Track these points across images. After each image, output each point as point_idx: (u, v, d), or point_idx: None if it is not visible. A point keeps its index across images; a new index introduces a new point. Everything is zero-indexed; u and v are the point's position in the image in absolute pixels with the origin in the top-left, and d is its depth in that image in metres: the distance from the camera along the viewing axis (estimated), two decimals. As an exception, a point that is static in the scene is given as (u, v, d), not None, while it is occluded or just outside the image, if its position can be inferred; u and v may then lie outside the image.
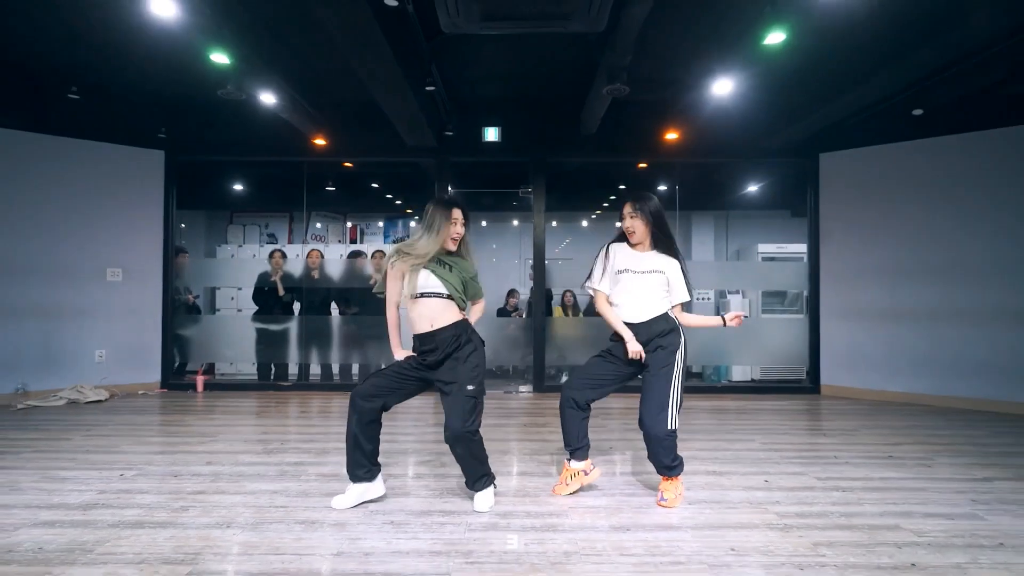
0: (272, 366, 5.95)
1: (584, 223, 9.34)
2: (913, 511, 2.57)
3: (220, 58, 3.62)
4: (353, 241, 7.94)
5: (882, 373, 5.35)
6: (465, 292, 2.65)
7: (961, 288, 4.99)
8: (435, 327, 2.53)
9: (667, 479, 2.69)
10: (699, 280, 6.80)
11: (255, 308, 5.99)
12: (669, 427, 2.62)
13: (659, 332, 2.68)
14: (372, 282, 5.86)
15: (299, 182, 6.67)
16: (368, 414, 2.54)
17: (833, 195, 5.66)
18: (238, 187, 7.62)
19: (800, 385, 5.90)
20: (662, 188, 6.71)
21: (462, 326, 2.59)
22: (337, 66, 4.22)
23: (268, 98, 4.26)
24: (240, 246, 7.66)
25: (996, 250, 4.86)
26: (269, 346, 5.88)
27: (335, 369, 6.11)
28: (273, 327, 5.89)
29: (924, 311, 5.16)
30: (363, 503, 2.62)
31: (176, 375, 5.95)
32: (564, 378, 6.66)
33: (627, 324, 2.70)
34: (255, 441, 3.75)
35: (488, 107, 5.53)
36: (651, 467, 2.78)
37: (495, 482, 2.67)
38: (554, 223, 8.87)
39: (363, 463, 2.59)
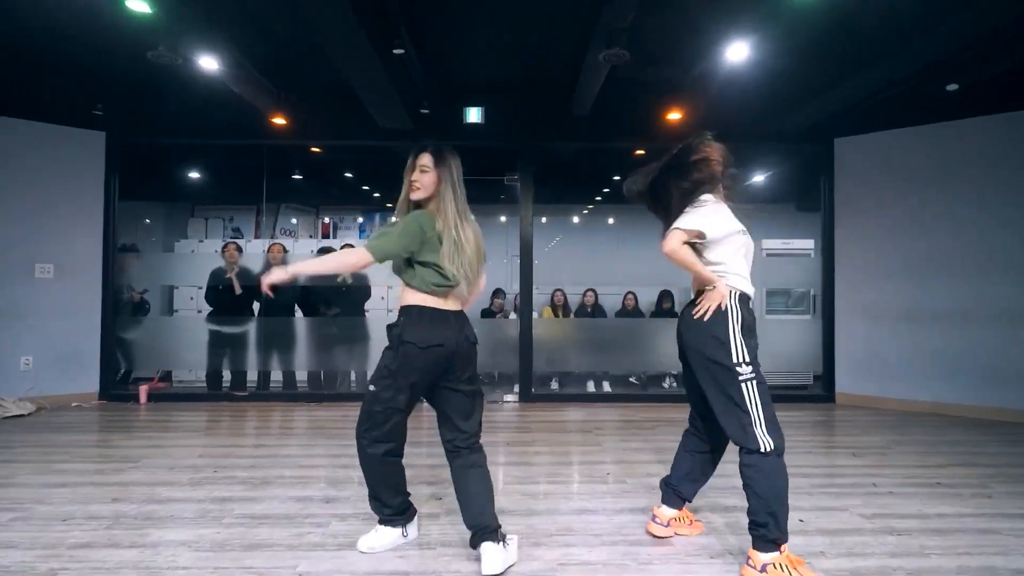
0: (227, 374, 5.32)
1: (575, 219, 8.79)
2: (996, 565, 2.02)
3: (139, 5, 3.00)
4: (326, 236, 7.33)
5: (906, 380, 4.82)
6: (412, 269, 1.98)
7: (996, 285, 4.46)
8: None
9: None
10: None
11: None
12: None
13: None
14: (340, 280, 5.26)
15: (269, 171, 6.07)
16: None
17: (849, 184, 5.13)
18: (199, 176, 6.97)
19: (811, 393, 5.36)
20: (660, 178, 6.17)
21: (404, 310, 2.00)
22: (290, 22, 3.60)
23: (209, 63, 3.64)
24: (201, 241, 7.00)
25: (1036, 243, 4.34)
26: (223, 351, 5.25)
27: (301, 376, 5.50)
28: (228, 330, 5.27)
29: (954, 310, 4.63)
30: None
31: (123, 384, 5.31)
32: (554, 384, 6.09)
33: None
34: (184, 468, 3.14)
35: (470, 86, 4.94)
36: (658, 502, 2.23)
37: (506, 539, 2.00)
38: (543, 219, 8.31)
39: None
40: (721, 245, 2.00)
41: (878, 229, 4.96)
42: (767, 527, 1.87)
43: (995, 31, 3.49)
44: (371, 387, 1.99)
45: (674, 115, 4.86)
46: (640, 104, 4.90)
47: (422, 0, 3.42)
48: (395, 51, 3.42)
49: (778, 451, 1.89)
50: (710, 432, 2.20)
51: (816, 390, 5.38)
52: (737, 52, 3.62)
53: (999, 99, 4.42)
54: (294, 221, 7.68)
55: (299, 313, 5.42)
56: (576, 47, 4.01)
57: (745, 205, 2.18)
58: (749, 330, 1.96)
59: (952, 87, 4.19)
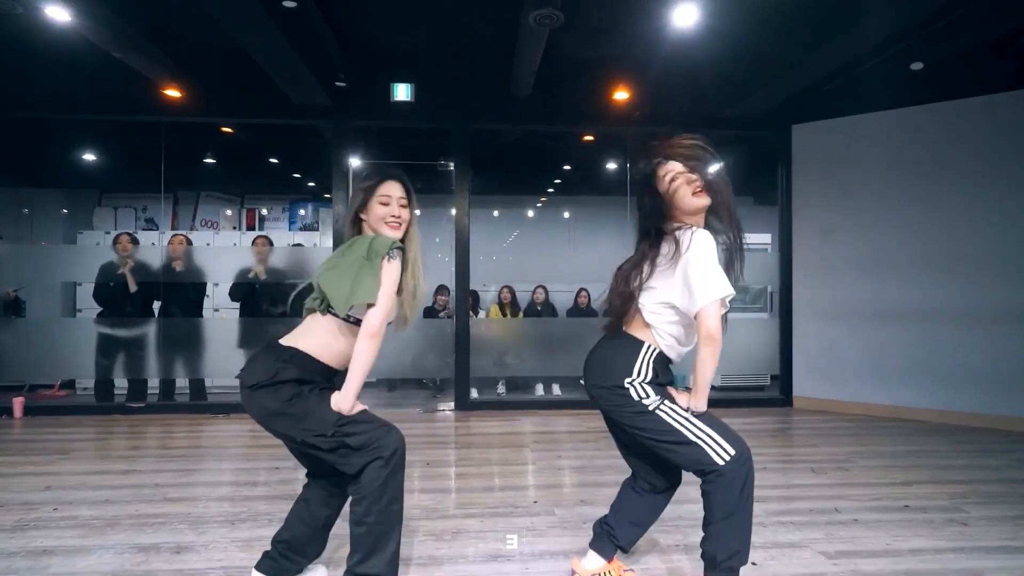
0: (117, 383, 4.68)
1: (530, 212, 8.32)
2: (983, 624, 1.64)
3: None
4: (251, 228, 6.67)
5: (866, 383, 4.53)
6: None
7: (962, 283, 4.19)
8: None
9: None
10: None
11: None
12: None
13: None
14: (252, 275, 4.68)
15: (182, 156, 5.39)
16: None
17: (807, 174, 4.82)
18: (103, 160, 6.19)
19: (767, 396, 5.05)
20: (612, 167, 5.76)
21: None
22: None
23: (58, 13, 3.02)
24: (108, 233, 6.25)
25: (1002, 239, 4.08)
26: (115, 357, 4.60)
27: (213, 383, 4.90)
28: (122, 332, 4.62)
29: (917, 310, 4.35)
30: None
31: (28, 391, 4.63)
32: (501, 389, 5.64)
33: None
34: (17, 506, 2.55)
35: (398, 58, 4.42)
36: (584, 541, 1.77)
37: None
38: (496, 212, 7.84)
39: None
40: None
41: (838, 223, 4.66)
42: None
43: (957, 3, 3.18)
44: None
45: (621, 95, 4.44)
46: (584, 83, 4.47)
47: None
48: (285, 3, 2.88)
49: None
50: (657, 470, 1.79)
51: (773, 393, 5.07)
52: (685, 16, 3.20)
53: (963, 81, 4.14)
54: (229, 213, 7.01)
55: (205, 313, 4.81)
56: (508, 11, 3.53)
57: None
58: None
59: (917, 66, 3.89)
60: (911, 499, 2.66)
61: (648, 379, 1.66)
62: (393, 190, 1.72)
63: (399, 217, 1.71)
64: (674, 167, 1.67)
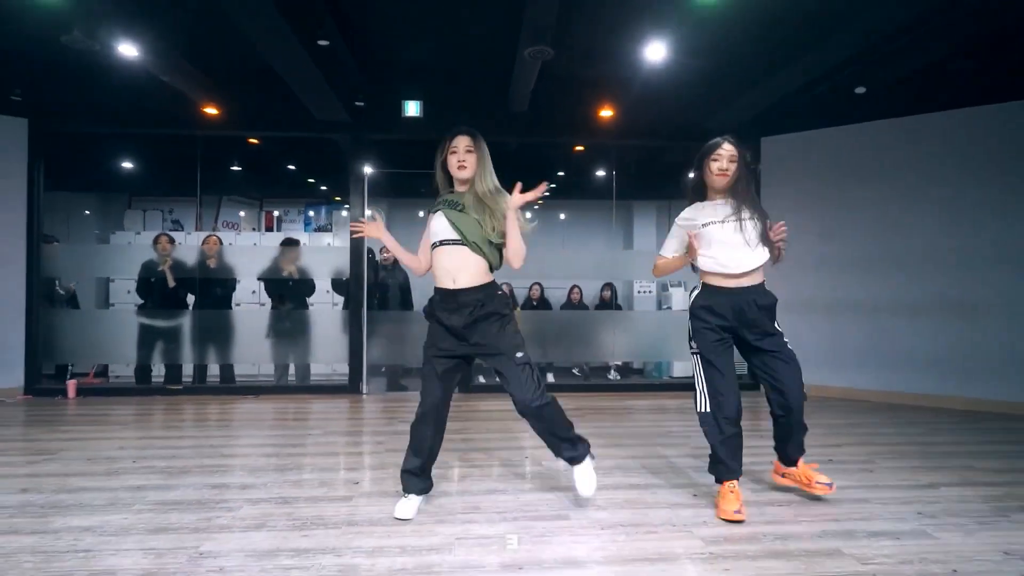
0: (160, 367, 5.24)
1: (527, 214, 8.87)
2: (856, 530, 2.22)
3: (46, -10, 2.95)
4: (269, 229, 7.24)
5: (825, 368, 5.11)
6: (488, 242, 2.25)
7: (905, 279, 4.78)
8: (457, 285, 2.24)
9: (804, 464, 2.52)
10: (642, 272, 6.49)
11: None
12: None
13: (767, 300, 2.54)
14: (287, 273, 5.23)
15: (207, 163, 5.96)
16: (442, 423, 2.34)
17: (776, 182, 5.39)
18: (136, 167, 6.77)
19: (743, 382, 5.60)
20: (601, 174, 6.32)
21: (488, 291, 2.27)
22: (211, 11, 3.56)
23: (128, 50, 3.58)
24: (138, 233, 6.82)
25: (939, 239, 4.67)
26: (155, 345, 5.16)
27: (244, 370, 5.46)
28: (161, 323, 5.18)
29: (867, 303, 4.94)
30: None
31: (58, 379, 5.17)
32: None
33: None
34: (102, 459, 3.11)
35: (408, 79, 4.98)
36: (565, 482, 2.35)
37: (592, 453, 2.43)
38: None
39: (429, 476, 2.41)
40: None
41: (801, 226, 5.22)
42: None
43: (896, 34, 3.73)
44: (518, 354, 2.27)
45: (606, 112, 5.01)
46: (575, 101, 5.03)
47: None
48: (320, 42, 3.44)
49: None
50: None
51: (746, 379, 5.64)
52: (655, 52, 3.77)
53: (903, 102, 4.72)
54: (242, 214, 7.57)
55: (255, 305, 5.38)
56: (507, 43, 4.10)
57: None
58: (692, 315, 2.50)
59: (860, 90, 4.46)
60: (836, 456, 3.24)
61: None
62: (460, 141, 2.30)
63: (465, 160, 2.28)
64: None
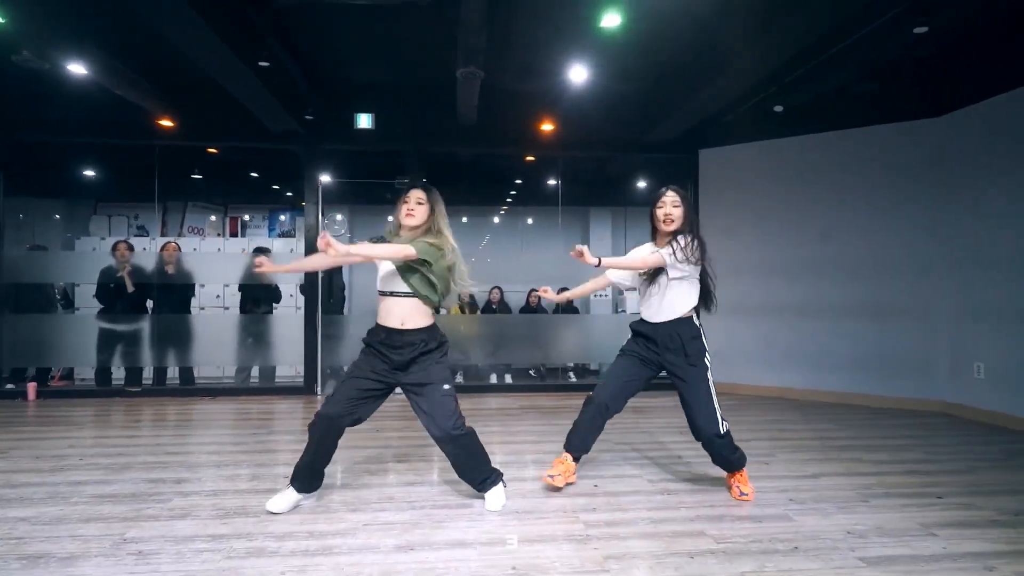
0: (121, 370, 5.39)
1: (496, 219, 9.11)
2: (727, 515, 2.47)
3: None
4: (234, 235, 7.40)
5: (758, 368, 5.40)
6: (434, 290, 2.44)
7: (827, 284, 5.09)
8: (405, 327, 2.43)
9: (736, 475, 2.71)
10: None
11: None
12: (721, 430, 2.63)
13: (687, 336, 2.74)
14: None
15: (171, 171, 6.12)
16: (337, 432, 2.46)
17: (712, 191, 5.68)
18: (100, 174, 6.90)
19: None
20: (552, 183, 6.57)
21: (432, 332, 2.48)
22: (155, 36, 3.74)
23: (78, 68, 3.75)
24: (103, 239, 6.95)
25: (858, 247, 4.97)
26: (115, 348, 5.32)
27: (203, 372, 5.63)
28: (120, 327, 5.33)
29: (796, 306, 5.24)
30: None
31: (18, 380, 5.31)
32: (459, 378, 6.41)
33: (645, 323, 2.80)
34: (49, 457, 3.28)
35: (359, 92, 5.18)
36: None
37: (502, 479, 2.61)
38: (464, 219, 8.61)
39: (318, 478, 2.55)
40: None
41: (737, 234, 5.51)
42: None
43: (803, 54, 4.00)
44: (445, 386, 2.45)
45: (547, 126, 5.27)
46: (519, 115, 5.27)
47: (288, 13, 3.64)
48: (261, 63, 3.64)
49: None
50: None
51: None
52: (577, 74, 4.03)
53: (818, 120, 5.04)
54: (213, 218, 7.70)
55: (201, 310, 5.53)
56: (445, 64, 4.33)
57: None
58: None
59: (778, 108, 4.76)
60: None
61: None
62: (414, 194, 2.49)
63: (413, 211, 2.46)
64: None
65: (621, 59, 4.06)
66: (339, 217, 7.40)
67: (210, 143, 5.52)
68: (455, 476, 2.84)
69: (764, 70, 4.18)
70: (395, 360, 2.41)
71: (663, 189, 2.69)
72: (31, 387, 5.09)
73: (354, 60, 4.65)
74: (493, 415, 4.52)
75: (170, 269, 5.35)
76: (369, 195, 7.38)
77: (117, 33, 3.72)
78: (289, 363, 5.71)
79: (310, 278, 5.37)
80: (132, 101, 4.62)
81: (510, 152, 5.84)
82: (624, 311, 7.29)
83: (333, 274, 5.76)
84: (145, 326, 5.35)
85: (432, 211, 2.50)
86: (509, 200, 8.49)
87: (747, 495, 2.64)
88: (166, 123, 5.00)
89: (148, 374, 5.45)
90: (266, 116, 4.79)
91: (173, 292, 5.43)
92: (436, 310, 2.54)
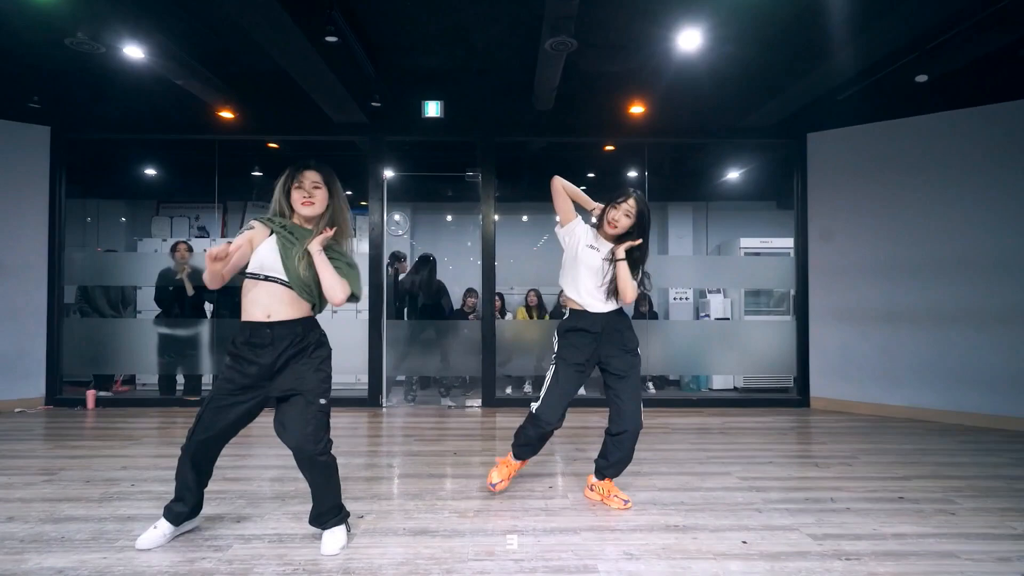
0: (181, 378, 5.13)
1: (558, 217, 8.53)
2: (945, 592, 1.84)
3: (42, -12, 2.81)
4: (292, 235, 7.11)
5: (880, 384, 4.64)
6: (314, 287, 2.09)
7: (971, 286, 4.29)
8: (271, 318, 2.07)
9: (608, 480, 2.64)
10: (677, 278, 6.10)
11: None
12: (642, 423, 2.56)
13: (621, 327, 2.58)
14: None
15: (231, 169, 5.87)
16: (207, 457, 2.21)
17: (823, 181, 4.95)
18: (162, 173, 6.73)
19: (786, 398, 5.18)
20: (632, 174, 5.97)
21: (308, 324, 2.13)
22: (215, 12, 3.38)
23: (134, 52, 3.44)
24: (165, 240, 6.80)
25: (1011, 243, 4.16)
26: (174, 355, 5.05)
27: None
28: (180, 332, 5.07)
29: (928, 313, 4.46)
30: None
31: (83, 387, 5.12)
32: (527, 388, 5.90)
33: (584, 311, 2.59)
34: (100, 482, 2.95)
35: (427, 78, 4.72)
36: (597, 520, 2.03)
37: (348, 520, 2.22)
38: (524, 217, 8.09)
39: (188, 506, 2.23)
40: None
41: (852, 227, 4.78)
42: None
43: (959, 16, 3.31)
44: (322, 400, 2.11)
45: (636, 109, 4.67)
46: (602, 98, 4.70)
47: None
48: (328, 38, 3.21)
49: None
50: None
51: (792, 393, 5.21)
52: (689, 40, 3.43)
53: (969, 92, 4.24)
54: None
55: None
56: (528, 37, 3.81)
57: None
58: (562, 333, 2.64)
59: (921, 78, 4.00)
60: (907, 492, 2.82)
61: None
62: (307, 176, 2.11)
63: (311, 196, 2.09)
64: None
65: (744, 23, 3.43)
66: (396, 217, 7.02)
67: (271, 136, 5.20)
68: (560, 523, 2.32)
69: (908, 33, 3.49)
70: (261, 359, 2.07)
71: (630, 191, 2.53)
72: (90, 395, 4.89)
73: (423, 43, 4.17)
74: (587, 431, 3.97)
75: (186, 269, 5.03)
76: (430, 192, 6.95)
77: (175, 13, 3.36)
78: (350, 371, 5.33)
79: (375, 280, 4.96)
80: (192, 93, 4.32)
81: (589, 141, 5.28)
82: (707, 316, 6.59)
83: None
84: (204, 331, 5.07)
85: (332, 196, 2.14)
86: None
87: (629, 501, 2.57)
88: (226, 115, 4.69)
89: (208, 380, 5.18)
90: (330, 105, 4.40)
91: (233, 294, 5.12)
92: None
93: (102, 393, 5.07)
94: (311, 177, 2.10)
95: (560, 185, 2.66)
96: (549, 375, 2.59)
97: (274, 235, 2.09)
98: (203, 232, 7.18)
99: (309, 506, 2.45)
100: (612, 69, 4.36)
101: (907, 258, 4.56)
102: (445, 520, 2.45)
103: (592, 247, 2.58)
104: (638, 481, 2.92)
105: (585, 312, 2.57)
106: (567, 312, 2.65)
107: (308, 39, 3.24)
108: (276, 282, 2.06)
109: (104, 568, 2.01)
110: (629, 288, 2.48)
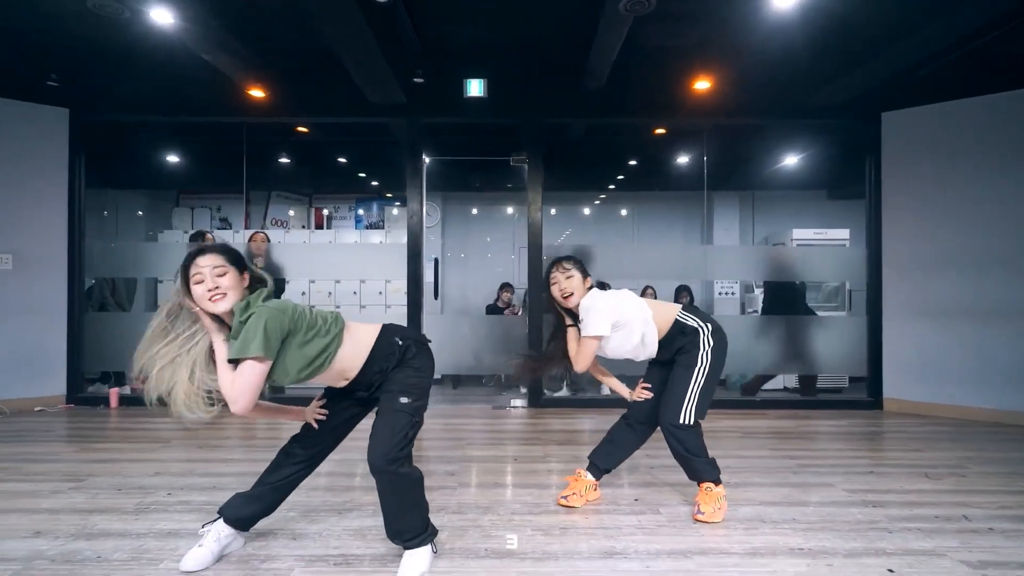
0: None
1: (586, 210, 8.21)
2: None
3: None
4: (319, 227, 6.84)
5: (964, 385, 4.27)
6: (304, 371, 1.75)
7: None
8: (350, 379, 1.88)
9: (702, 487, 2.35)
10: (723, 270, 5.73)
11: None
12: (682, 420, 2.31)
13: (678, 345, 2.41)
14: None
15: (256, 157, 5.59)
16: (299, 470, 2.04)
17: (899, 165, 4.58)
18: (184, 162, 6.45)
19: (855, 399, 4.82)
20: (682, 161, 5.61)
21: (383, 353, 1.86)
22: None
23: (162, 16, 3.14)
24: (186, 232, 6.54)
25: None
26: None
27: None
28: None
29: (1019, 308, 4.08)
30: None
31: (103, 384, 4.87)
32: (564, 391, 5.57)
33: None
34: (133, 490, 2.65)
35: (470, 53, 4.37)
36: (706, 541, 1.70)
37: (434, 541, 1.92)
38: (552, 210, 7.75)
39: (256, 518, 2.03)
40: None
41: (933, 216, 4.41)
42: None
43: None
44: (403, 399, 1.84)
45: (701, 84, 4.31)
46: (662, 74, 4.32)
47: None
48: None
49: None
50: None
51: (859, 395, 4.84)
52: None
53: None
54: (291, 213, 7.20)
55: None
56: (588, 10, 3.47)
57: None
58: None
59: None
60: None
61: None
62: (202, 263, 1.67)
63: (219, 288, 1.66)
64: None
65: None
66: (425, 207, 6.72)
67: (302, 119, 4.89)
68: (664, 544, 2.01)
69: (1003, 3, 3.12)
70: (361, 396, 1.96)
71: (548, 267, 2.47)
72: (113, 393, 4.62)
73: (468, 12, 3.85)
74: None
75: (259, 263, 4.75)
76: (462, 180, 6.63)
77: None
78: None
79: (412, 272, 4.65)
80: (219, 69, 4.02)
81: (642, 122, 4.93)
82: (756, 311, 6.23)
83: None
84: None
85: (240, 273, 1.72)
86: (612, 187, 7.56)
87: (704, 514, 2.28)
88: (257, 94, 4.38)
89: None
90: (369, 81, 4.08)
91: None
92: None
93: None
94: (209, 262, 1.67)
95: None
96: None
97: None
98: (225, 224, 6.91)
99: (369, 519, 2.14)
100: (676, 42, 4.01)
101: (994, 249, 4.18)
102: (529, 539, 2.13)
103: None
104: (732, 493, 2.59)
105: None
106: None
107: (358, 3, 2.93)
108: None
109: (148, 599, 1.71)
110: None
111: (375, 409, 1.91)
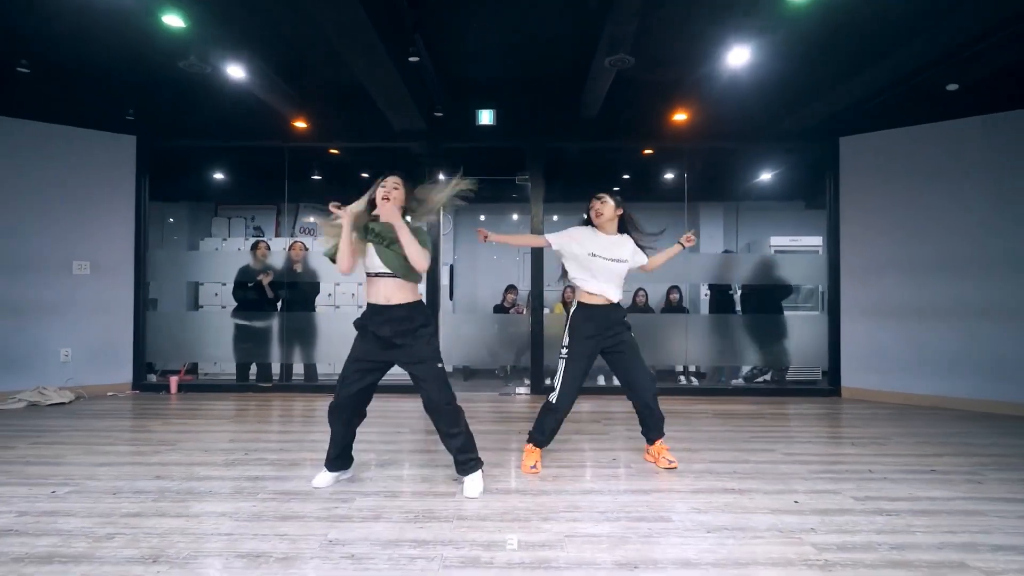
0: (253, 366, 5.56)
1: (586, 216, 8.84)
2: (978, 543, 2.16)
3: (174, 20, 3.23)
4: (343, 234, 7.54)
5: (908, 374, 4.92)
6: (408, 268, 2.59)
7: (996, 282, 4.56)
8: (389, 302, 2.60)
9: (661, 440, 3.10)
10: (706, 274, 6.39)
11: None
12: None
13: (619, 319, 3.02)
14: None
15: (284, 171, 6.29)
16: (352, 411, 2.70)
17: (854, 182, 5.24)
18: (222, 177, 7.20)
19: (818, 388, 5.48)
20: (669, 176, 6.28)
21: (415, 308, 2.63)
22: (310, 34, 3.79)
23: (236, 72, 3.86)
24: (224, 240, 7.28)
25: (1037, 240, 4.43)
26: (249, 344, 5.49)
27: (322, 369, 5.74)
28: (255, 324, 5.50)
29: (955, 307, 4.73)
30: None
31: (160, 375, 5.59)
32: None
33: (592, 305, 2.98)
34: (217, 451, 3.36)
35: (482, 88, 5.11)
36: (661, 484, 2.38)
37: (482, 466, 2.74)
38: (555, 217, 8.43)
39: (346, 458, 2.81)
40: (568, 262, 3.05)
41: (883, 227, 5.06)
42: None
43: (990, 30, 3.58)
44: (439, 364, 2.63)
45: (680, 116, 5.00)
46: (647, 105, 5.03)
47: (432, 5, 3.59)
48: (411, 59, 3.60)
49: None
50: None
51: (822, 384, 5.50)
52: (738, 56, 3.76)
53: (998, 98, 4.50)
54: (311, 220, 7.91)
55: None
56: (583, 52, 4.17)
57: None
58: (572, 328, 2.99)
59: (952, 87, 4.29)
60: (938, 466, 3.13)
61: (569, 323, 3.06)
62: (389, 180, 2.63)
63: (385, 196, 2.56)
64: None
65: (789, 37, 3.75)
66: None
67: (336, 143, 5.61)
68: (633, 486, 2.67)
69: (941, 47, 3.77)
70: (381, 336, 2.55)
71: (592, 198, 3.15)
72: (173, 381, 5.34)
73: (482, 57, 4.56)
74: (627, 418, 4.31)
75: (298, 268, 5.47)
76: (486, 193, 7.35)
77: (274, 35, 3.78)
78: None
79: (432, 277, 5.35)
80: (271, 105, 4.74)
81: (630, 145, 5.62)
82: (737, 311, 6.88)
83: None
84: (275, 323, 5.50)
85: (404, 196, 2.67)
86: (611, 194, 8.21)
87: (674, 461, 3.02)
88: (300, 124, 5.11)
89: (276, 370, 5.61)
90: (395, 115, 4.79)
91: (300, 290, 5.56)
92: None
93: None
94: (391, 181, 2.64)
95: (508, 240, 3.39)
96: (562, 367, 2.96)
97: (371, 245, 2.61)
98: (259, 232, 7.64)
99: (404, 470, 2.83)
100: (659, 80, 4.70)
101: (934, 256, 4.83)
102: (530, 483, 2.82)
103: (595, 255, 2.96)
104: (692, 456, 3.27)
105: (594, 306, 2.97)
106: (574, 305, 3.02)
107: (392, 60, 3.63)
108: (386, 276, 2.59)
109: (258, 512, 2.41)
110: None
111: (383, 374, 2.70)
